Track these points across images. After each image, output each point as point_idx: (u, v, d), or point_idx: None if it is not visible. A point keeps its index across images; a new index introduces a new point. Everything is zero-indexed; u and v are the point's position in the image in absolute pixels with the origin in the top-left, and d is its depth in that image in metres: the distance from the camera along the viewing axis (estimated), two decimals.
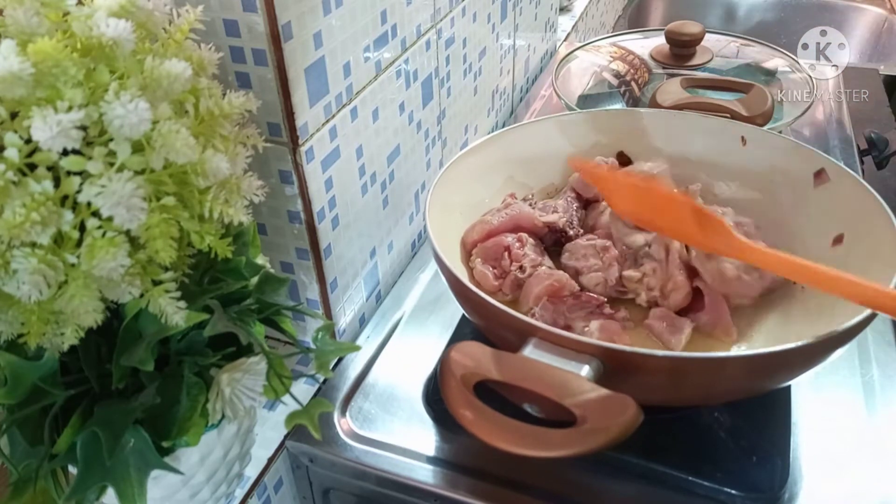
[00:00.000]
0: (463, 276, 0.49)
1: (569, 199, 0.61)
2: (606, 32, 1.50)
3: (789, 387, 0.51)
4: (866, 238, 0.50)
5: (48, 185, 0.27)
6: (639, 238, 0.53)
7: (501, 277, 0.54)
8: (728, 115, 0.65)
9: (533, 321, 0.41)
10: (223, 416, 0.38)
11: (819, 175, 0.56)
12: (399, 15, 0.55)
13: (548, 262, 0.55)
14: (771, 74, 0.84)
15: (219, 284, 0.39)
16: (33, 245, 0.28)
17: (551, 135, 0.64)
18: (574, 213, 0.60)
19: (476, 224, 0.57)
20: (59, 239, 0.29)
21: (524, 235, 0.56)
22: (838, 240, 0.52)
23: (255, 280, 0.42)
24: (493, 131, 0.74)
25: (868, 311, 0.40)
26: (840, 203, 0.53)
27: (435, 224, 0.50)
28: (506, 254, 0.54)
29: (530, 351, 0.39)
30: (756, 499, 0.45)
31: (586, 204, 0.62)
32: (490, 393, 0.38)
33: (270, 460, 0.50)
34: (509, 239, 0.55)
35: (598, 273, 0.53)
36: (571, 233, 0.58)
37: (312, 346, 0.43)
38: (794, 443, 0.48)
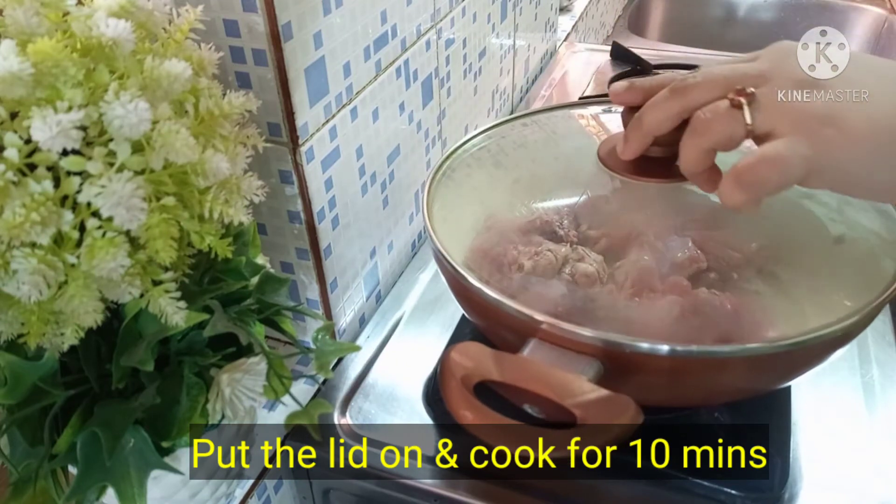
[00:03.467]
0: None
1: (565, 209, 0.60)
2: (607, 32, 1.50)
3: (789, 387, 0.51)
4: (867, 238, 0.50)
5: (48, 185, 0.27)
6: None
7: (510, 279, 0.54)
8: None
9: (535, 313, 0.40)
10: (223, 416, 0.38)
11: None
12: (399, 15, 0.55)
13: (547, 244, 0.55)
14: None
15: (219, 284, 0.39)
16: (33, 245, 0.28)
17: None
18: (564, 216, 0.59)
19: (469, 255, 0.56)
20: (59, 239, 0.29)
21: (512, 237, 0.55)
22: (838, 240, 0.52)
23: (255, 280, 0.42)
24: None
25: (867, 310, 0.40)
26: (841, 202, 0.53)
27: (435, 223, 0.50)
28: (503, 263, 0.54)
29: (531, 351, 0.39)
30: (756, 499, 0.45)
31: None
32: (490, 393, 0.38)
33: (270, 460, 0.50)
34: (500, 249, 0.54)
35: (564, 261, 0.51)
36: (561, 233, 0.57)
37: (312, 346, 0.43)
38: (794, 443, 0.48)
